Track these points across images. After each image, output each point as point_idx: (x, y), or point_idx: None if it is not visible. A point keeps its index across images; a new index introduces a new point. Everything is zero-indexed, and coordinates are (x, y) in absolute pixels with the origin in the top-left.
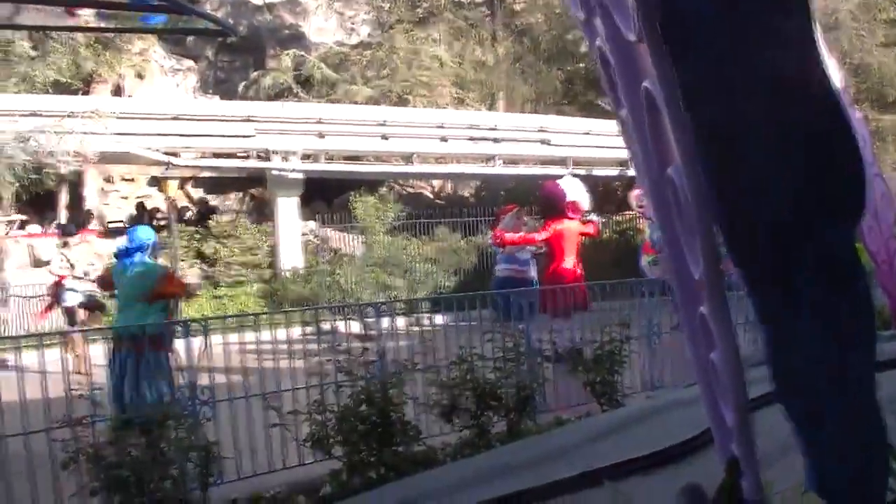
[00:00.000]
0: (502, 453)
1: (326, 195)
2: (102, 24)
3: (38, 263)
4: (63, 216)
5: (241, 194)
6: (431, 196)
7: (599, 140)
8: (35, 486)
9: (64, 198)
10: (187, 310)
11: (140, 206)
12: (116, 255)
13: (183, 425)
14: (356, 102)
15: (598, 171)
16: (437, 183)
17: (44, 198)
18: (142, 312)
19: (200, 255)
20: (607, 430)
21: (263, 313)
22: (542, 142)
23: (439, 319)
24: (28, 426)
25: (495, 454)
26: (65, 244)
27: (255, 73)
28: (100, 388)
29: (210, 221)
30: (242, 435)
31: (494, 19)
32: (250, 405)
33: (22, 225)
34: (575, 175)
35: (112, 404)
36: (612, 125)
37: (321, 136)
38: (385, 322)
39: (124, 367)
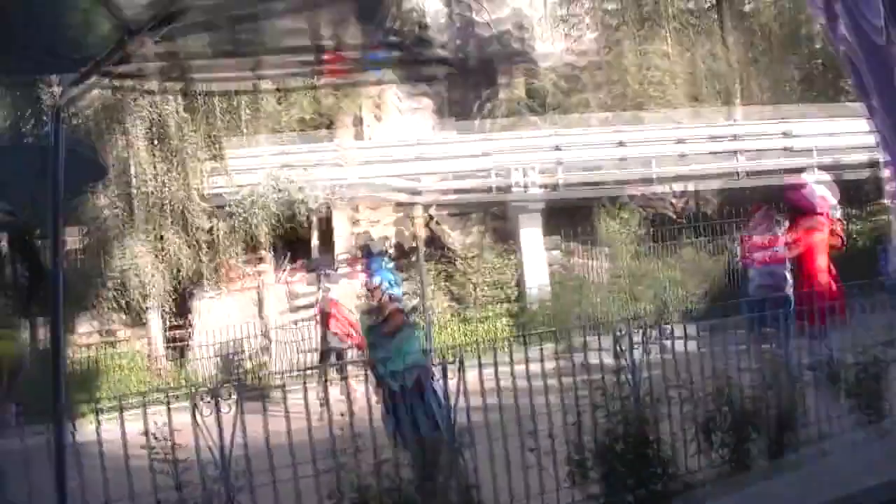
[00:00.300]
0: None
1: (567, 216)
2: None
3: (294, 308)
4: (314, 255)
5: (482, 219)
6: (673, 214)
7: (845, 139)
8: None
9: (314, 236)
10: (438, 337)
11: (365, 235)
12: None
13: (445, 456)
14: (590, 114)
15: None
16: (677, 200)
17: (295, 239)
18: (397, 348)
19: (448, 282)
20: None
21: (525, 334)
22: (786, 148)
23: (692, 341)
24: (298, 460)
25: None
26: (325, 283)
27: (488, 94)
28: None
29: (455, 249)
30: (500, 464)
31: (723, 22)
32: (506, 434)
33: (277, 267)
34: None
35: (390, 438)
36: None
37: (559, 161)
38: (638, 343)
39: (398, 400)
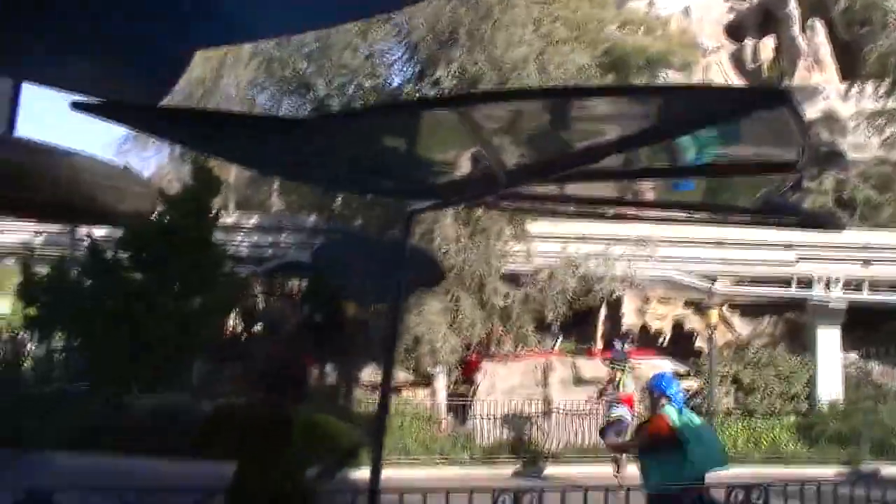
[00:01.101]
0: None
1: (870, 324)
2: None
3: (579, 381)
4: (600, 334)
5: (775, 319)
6: None
7: None
8: None
9: (602, 316)
10: (721, 437)
11: (623, 334)
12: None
13: None
14: None
15: None
16: None
17: (582, 315)
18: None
19: (736, 382)
20: None
21: None
22: None
23: None
24: None
25: None
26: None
27: (796, 196)
28: None
29: (747, 349)
30: None
31: None
32: None
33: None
34: None
35: None
36: None
37: (867, 263)
38: None
39: None
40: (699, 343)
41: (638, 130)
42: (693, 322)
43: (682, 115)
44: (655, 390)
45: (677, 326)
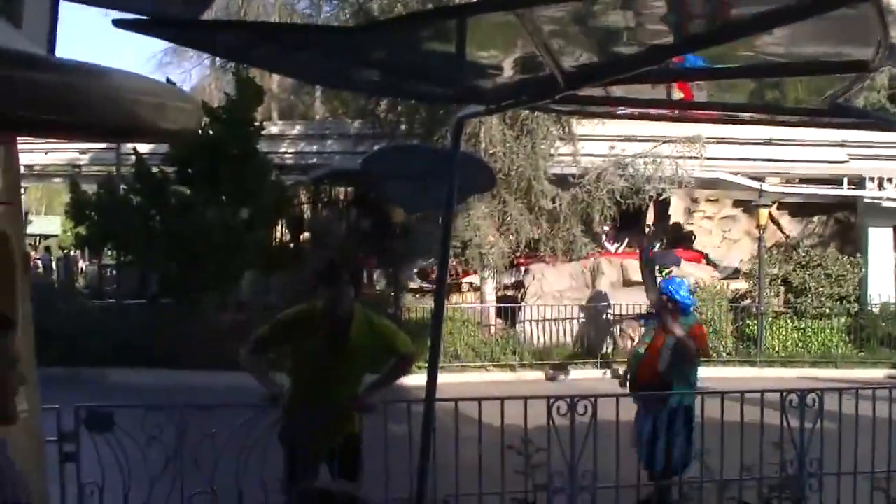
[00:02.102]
0: None
1: None
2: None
3: (628, 283)
4: (648, 235)
5: (825, 219)
6: None
7: None
8: None
9: (650, 217)
10: (770, 338)
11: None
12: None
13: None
14: None
15: None
16: None
17: (629, 216)
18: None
19: (785, 283)
20: None
21: None
22: None
23: None
24: None
25: None
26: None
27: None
28: None
29: (797, 250)
30: None
31: None
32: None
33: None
34: None
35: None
36: None
37: None
38: None
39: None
40: (747, 244)
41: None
42: (742, 222)
43: (760, 12)
44: (664, 293)
45: (725, 227)
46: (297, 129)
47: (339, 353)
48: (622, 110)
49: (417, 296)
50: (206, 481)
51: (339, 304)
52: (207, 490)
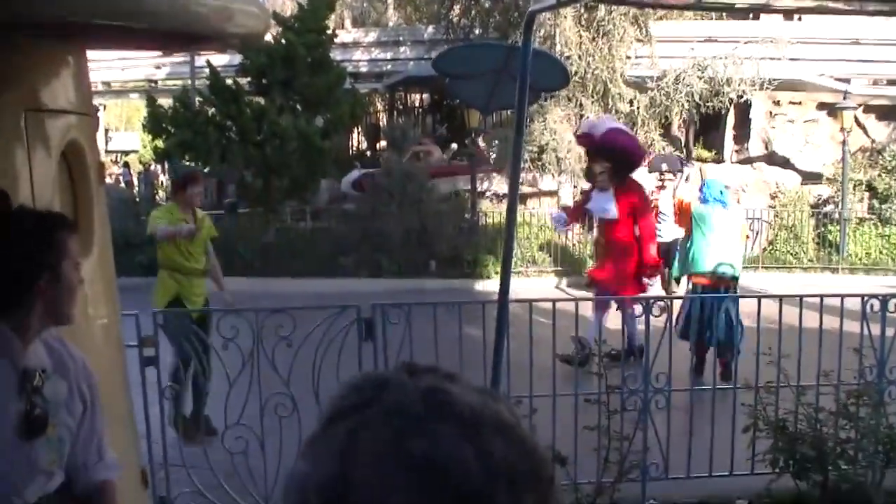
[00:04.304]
0: None
1: None
2: None
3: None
4: (729, 140)
5: None
6: None
7: None
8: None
9: (731, 121)
10: (852, 245)
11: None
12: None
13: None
14: None
15: None
16: None
17: (710, 120)
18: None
19: (870, 189)
20: None
21: None
22: None
23: None
24: None
25: None
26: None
27: None
28: None
29: (882, 154)
30: None
31: None
32: None
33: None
34: None
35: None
36: None
37: None
38: None
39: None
40: (832, 148)
41: None
42: (826, 125)
43: None
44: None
45: (808, 131)
46: (370, 37)
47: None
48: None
49: (493, 201)
50: (282, 384)
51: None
52: (284, 392)
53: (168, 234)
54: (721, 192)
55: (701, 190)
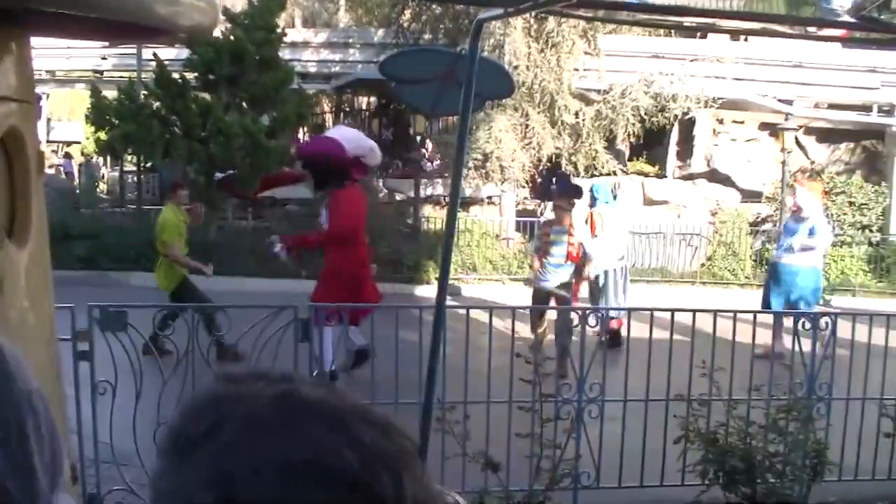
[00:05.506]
0: None
1: None
2: None
3: (649, 202)
4: (672, 156)
5: (852, 146)
6: None
7: None
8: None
9: (675, 137)
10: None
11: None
12: None
13: (797, 419)
14: None
15: None
16: None
17: (654, 135)
18: None
19: None
20: None
21: None
22: None
23: None
24: None
25: None
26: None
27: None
28: None
29: (821, 176)
30: (851, 437)
31: None
32: (866, 409)
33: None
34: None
35: None
36: None
37: None
38: None
39: None
40: (771, 167)
41: None
42: (767, 145)
43: None
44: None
45: (749, 150)
46: (320, 37)
47: None
48: (646, 17)
49: (437, 207)
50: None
51: None
52: None
53: (177, 260)
54: (611, 194)
55: (591, 194)
